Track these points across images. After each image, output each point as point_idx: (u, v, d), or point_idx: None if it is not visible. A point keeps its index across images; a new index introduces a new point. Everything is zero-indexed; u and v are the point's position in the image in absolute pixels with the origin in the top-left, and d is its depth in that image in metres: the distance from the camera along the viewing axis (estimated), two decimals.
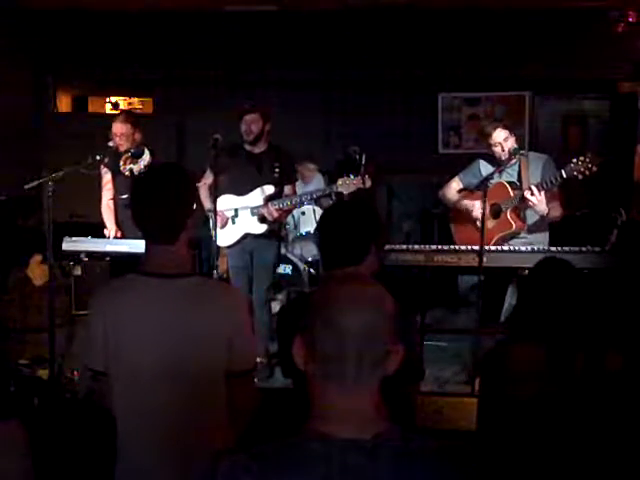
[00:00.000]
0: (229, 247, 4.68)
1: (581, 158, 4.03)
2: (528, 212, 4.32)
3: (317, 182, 6.51)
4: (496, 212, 4.37)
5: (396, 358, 1.30)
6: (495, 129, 4.28)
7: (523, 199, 4.19)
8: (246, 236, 4.59)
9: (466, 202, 4.50)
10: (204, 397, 1.94)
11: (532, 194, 4.10)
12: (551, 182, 4.12)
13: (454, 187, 4.58)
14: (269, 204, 4.45)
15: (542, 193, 4.12)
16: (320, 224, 2.27)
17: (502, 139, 4.25)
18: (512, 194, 4.31)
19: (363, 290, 1.30)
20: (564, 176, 4.07)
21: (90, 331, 1.99)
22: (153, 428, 1.91)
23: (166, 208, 1.94)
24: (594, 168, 3.99)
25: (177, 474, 1.91)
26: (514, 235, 4.39)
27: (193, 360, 1.90)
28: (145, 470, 1.92)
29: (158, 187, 1.96)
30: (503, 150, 4.24)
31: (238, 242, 4.61)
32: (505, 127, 4.31)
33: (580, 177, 4.03)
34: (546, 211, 4.17)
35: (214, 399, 1.96)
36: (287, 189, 4.62)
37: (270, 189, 4.52)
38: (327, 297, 1.30)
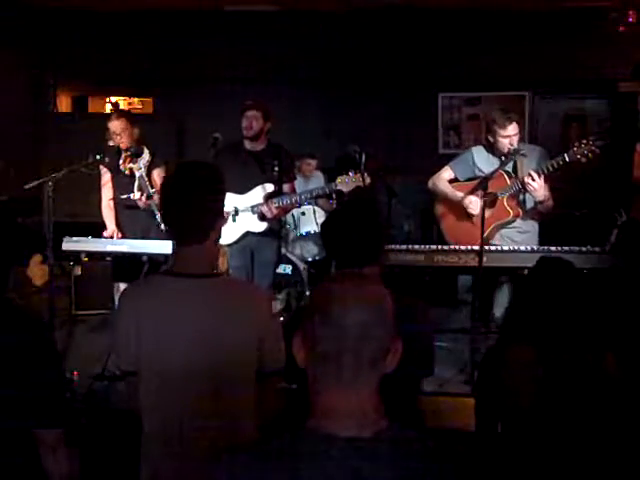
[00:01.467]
0: (229, 245, 4.68)
1: (583, 141, 4.02)
2: (527, 198, 4.31)
3: (317, 180, 6.51)
4: (491, 201, 4.36)
5: (395, 356, 1.30)
6: (511, 122, 4.24)
7: (523, 185, 4.19)
8: (246, 234, 4.59)
9: (461, 196, 4.46)
10: (234, 397, 1.93)
11: (533, 179, 4.10)
12: (552, 167, 4.12)
13: (445, 177, 4.55)
14: (269, 201, 4.46)
15: (542, 178, 4.11)
16: (331, 226, 2.28)
17: (514, 133, 4.25)
18: (508, 182, 4.30)
19: (363, 288, 1.31)
20: (567, 160, 4.05)
21: (120, 330, 1.98)
22: (181, 428, 1.90)
23: (198, 207, 1.93)
24: (597, 150, 3.98)
25: (203, 474, 1.91)
26: (509, 223, 4.40)
27: (224, 360, 1.89)
28: (170, 470, 1.91)
29: (190, 186, 1.94)
30: (511, 144, 4.23)
31: (238, 240, 4.61)
32: (517, 122, 4.32)
33: (583, 160, 4.01)
34: (545, 197, 4.17)
35: (244, 399, 1.96)
36: (286, 187, 4.63)
37: (270, 187, 4.52)
38: (327, 295, 1.30)
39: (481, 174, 4.32)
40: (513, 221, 4.39)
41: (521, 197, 4.35)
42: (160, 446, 1.93)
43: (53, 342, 1.88)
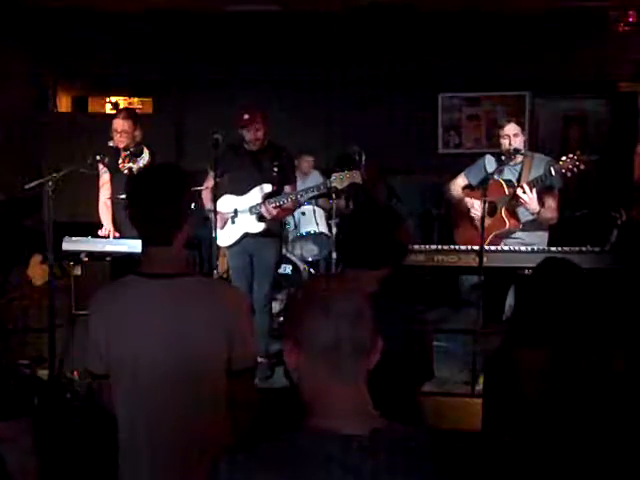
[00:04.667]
0: (229, 247, 4.67)
1: (570, 155, 4.09)
2: (521, 210, 4.33)
3: (314, 178, 6.51)
4: (492, 210, 4.39)
5: (376, 353, 1.33)
6: (509, 122, 4.40)
7: (515, 197, 4.22)
8: (245, 236, 4.58)
9: (467, 200, 4.54)
10: (205, 396, 1.94)
11: (524, 192, 4.14)
12: (541, 180, 4.16)
13: (459, 183, 4.63)
14: (266, 202, 4.45)
15: (534, 191, 4.16)
16: (351, 221, 2.31)
17: (512, 133, 4.31)
18: (507, 192, 4.33)
19: (346, 283, 1.37)
20: (553, 173, 4.12)
21: (90, 334, 1.98)
22: (155, 428, 1.91)
23: (162, 209, 1.93)
24: (582, 166, 4.04)
25: (179, 473, 1.92)
26: (509, 234, 4.41)
27: (194, 359, 1.90)
28: (147, 470, 1.92)
29: (153, 188, 1.95)
30: (510, 144, 4.27)
31: (238, 242, 4.60)
32: (518, 124, 4.40)
33: (568, 174, 4.09)
34: (537, 209, 4.19)
35: (215, 398, 1.96)
36: (287, 189, 4.61)
37: (268, 188, 4.50)
38: (316, 291, 1.34)
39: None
40: (513, 232, 4.40)
41: (515, 212, 4.37)
42: (137, 447, 1.94)
43: None
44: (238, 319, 1.99)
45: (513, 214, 4.37)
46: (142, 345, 1.90)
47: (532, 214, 4.26)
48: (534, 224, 4.37)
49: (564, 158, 4.09)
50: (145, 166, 4.70)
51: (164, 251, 1.95)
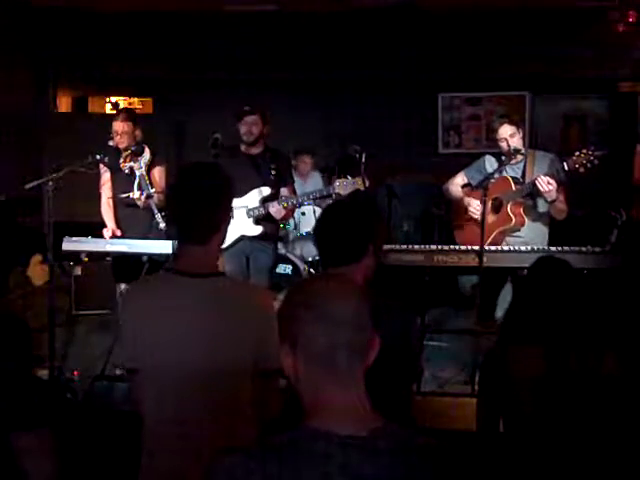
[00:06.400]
0: (225, 249, 4.65)
1: (583, 151, 4.04)
2: (539, 201, 4.29)
3: (314, 180, 6.50)
4: (497, 206, 4.37)
5: (373, 351, 1.32)
6: (502, 125, 4.30)
7: (534, 186, 4.14)
8: (241, 238, 4.56)
9: (465, 199, 4.51)
10: (232, 395, 1.94)
11: (544, 182, 4.07)
12: (557, 173, 4.12)
13: (458, 182, 4.60)
14: (275, 203, 4.44)
15: (553, 181, 4.08)
16: (319, 222, 2.26)
17: (508, 135, 4.26)
18: (514, 188, 4.30)
19: (345, 283, 1.36)
20: (566, 169, 4.07)
21: (122, 328, 2.00)
22: (181, 425, 1.91)
23: (202, 208, 1.95)
24: (596, 161, 4.00)
25: (202, 472, 1.91)
26: (514, 230, 4.39)
27: (223, 359, 1.90)
28: (171, 466, 1.92)
29: (196, 186, 1.96)
30: (508, 146, 4.24)
31: (233, 244, 4.58)
32: (512, 123, 4.32)
33: (582, 170, 4.03)
34: (555, 197, 4.14)
35: (242, 397, 1.97)
36: (284, 190, 4.61)
37: (267, 191, 4.51)
38: (313, 293, 1.32)
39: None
40: (517, 229, 4.37)
41: (530, 202, 4.33)
42: (159, 442, 1.94)
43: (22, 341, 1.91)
44: (269, 320, 1.99)
45: (521, 211, 4.32)
46: (170, 342, 1.90)
47: (551, 202, 4.18)
48: (543, 218, 4.34)
49: (577, 153, 4.04)
50: (147, 164, 4.72)
51: (199, 250, 1.97)
